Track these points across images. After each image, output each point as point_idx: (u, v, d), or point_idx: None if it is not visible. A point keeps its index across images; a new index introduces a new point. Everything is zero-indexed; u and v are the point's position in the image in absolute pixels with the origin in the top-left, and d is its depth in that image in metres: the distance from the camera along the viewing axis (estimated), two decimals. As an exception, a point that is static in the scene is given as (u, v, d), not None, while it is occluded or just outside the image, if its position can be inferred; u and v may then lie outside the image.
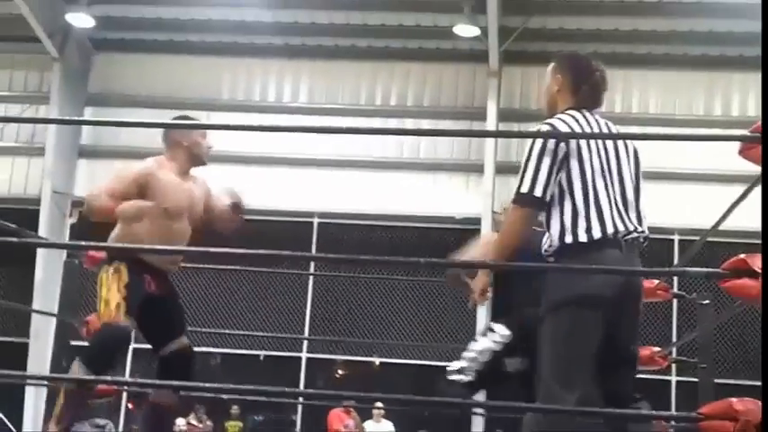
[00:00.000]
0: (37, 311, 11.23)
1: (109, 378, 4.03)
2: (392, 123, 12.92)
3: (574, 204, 3.09)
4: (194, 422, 12.23)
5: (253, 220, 7.02)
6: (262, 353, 12.63)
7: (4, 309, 12.40)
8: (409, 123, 12.86)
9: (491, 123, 12.39)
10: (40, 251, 12.23)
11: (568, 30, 12.43)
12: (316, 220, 12.92)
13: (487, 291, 3.45)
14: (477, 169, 12.49)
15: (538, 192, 3.07)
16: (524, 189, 3.09)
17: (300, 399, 7.99)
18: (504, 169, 12.43)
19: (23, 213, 11.76)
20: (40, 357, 11.80)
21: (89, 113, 13.44)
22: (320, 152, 12.76)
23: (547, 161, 3.07)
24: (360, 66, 13.18)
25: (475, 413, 9.56)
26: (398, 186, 12.60)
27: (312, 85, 13.34)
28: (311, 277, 11.69)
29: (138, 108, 12.95)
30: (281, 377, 12.25)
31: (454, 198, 12.61)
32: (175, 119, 4.47)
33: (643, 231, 3.15)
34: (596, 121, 3.26)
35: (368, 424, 12.01)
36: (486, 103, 12.55)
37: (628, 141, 3.27)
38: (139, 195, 4.07)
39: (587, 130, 3.20)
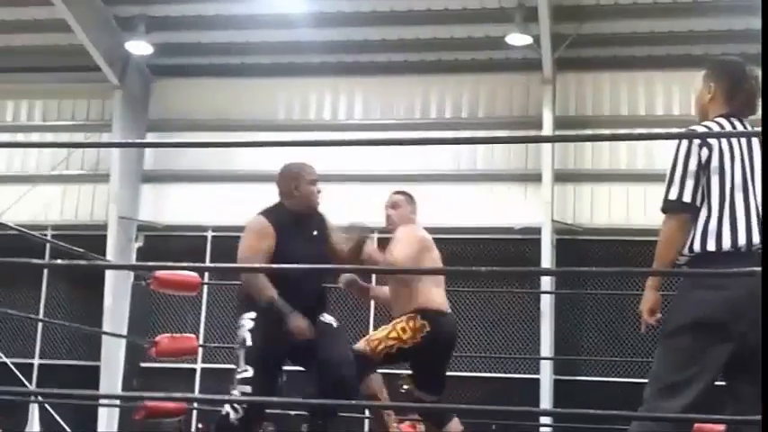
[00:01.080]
0: (107, 333, 11.47)
1: (178, 395, 4.12)
2: (448, 136, 12.94)
3: (709, 213, 3.00)
4: None
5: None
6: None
7: (74, 332, 12.68)
8: (465, 135, 12.85)
9: (547, 131, 12.30)
10: (108, 275, 12.49)
11: (622, 34, 12.32)
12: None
13: (657, 310, 3.21)
14: (535, 178, 12.41)
15: (686, 197, 3.00)
16: (672, 196, 3.03)
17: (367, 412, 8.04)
18: (562, 177, 12.34)
19: (90, 239, 12.03)
20: (110, 379, 12.06)
21: (150, 139, 13.74)
22: (377, 168, 12.80)
23: (691, 166, 3.01)
24: (413, 80, 13.22)
25: (544, 424, 9.49)
26: (456, 198, 12.58)
27: (366, 101, 13.42)
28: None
29: (197, 132, 13.21)
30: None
31: (513, 208, 12.54)
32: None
33: None
34: (744, 128, 3.15)
35: (435, 438, 11.93)
36: (542, 111, 12.49)
37: None
38: None
39: (728, 138, 3.07)
